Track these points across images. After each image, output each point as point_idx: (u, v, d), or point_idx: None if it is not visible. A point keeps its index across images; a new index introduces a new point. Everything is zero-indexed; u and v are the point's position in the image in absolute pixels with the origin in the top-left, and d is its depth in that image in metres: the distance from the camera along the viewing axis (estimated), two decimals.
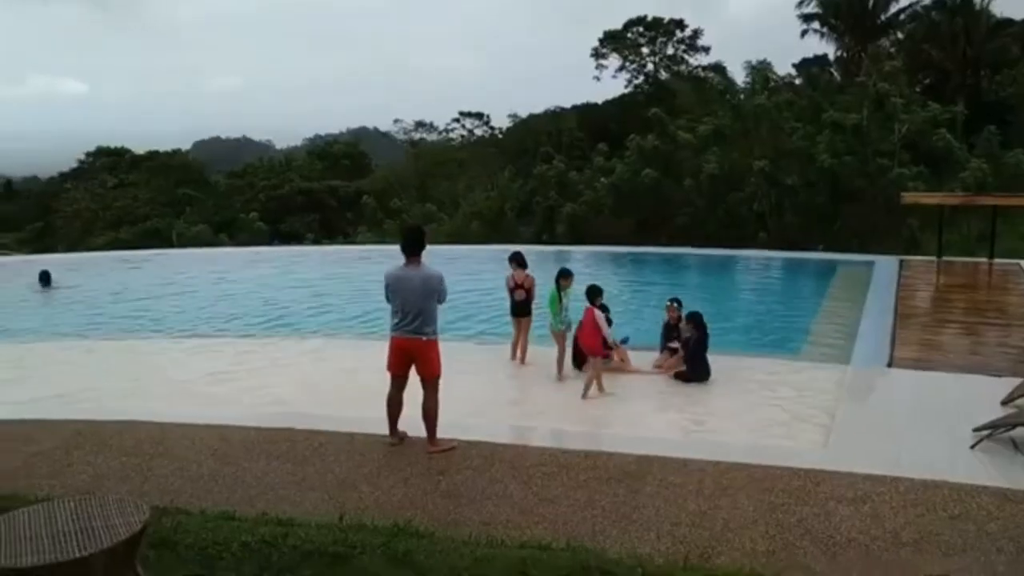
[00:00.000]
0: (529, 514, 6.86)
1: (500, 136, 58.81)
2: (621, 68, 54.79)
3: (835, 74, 43.60)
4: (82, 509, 4.94)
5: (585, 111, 54.15)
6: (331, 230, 45.68)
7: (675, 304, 12.83)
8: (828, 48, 47.93)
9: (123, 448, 8.74)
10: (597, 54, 55.20)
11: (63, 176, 62.33)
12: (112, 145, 62.30)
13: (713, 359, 11.83)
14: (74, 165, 63.04)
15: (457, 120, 61.87)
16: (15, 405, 10.61)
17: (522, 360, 12.79)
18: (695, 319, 12.15)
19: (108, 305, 19.92)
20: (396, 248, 8.70)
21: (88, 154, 62.13)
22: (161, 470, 8.10)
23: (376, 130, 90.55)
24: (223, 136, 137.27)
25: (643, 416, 10.43)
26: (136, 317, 18.11)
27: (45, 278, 22.17)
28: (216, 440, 8.87)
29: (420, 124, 65.03)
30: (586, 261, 23.37)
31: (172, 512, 6.50)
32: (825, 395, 10.66)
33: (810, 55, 48.62)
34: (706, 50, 53.75)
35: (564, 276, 12.31)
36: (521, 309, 12.92)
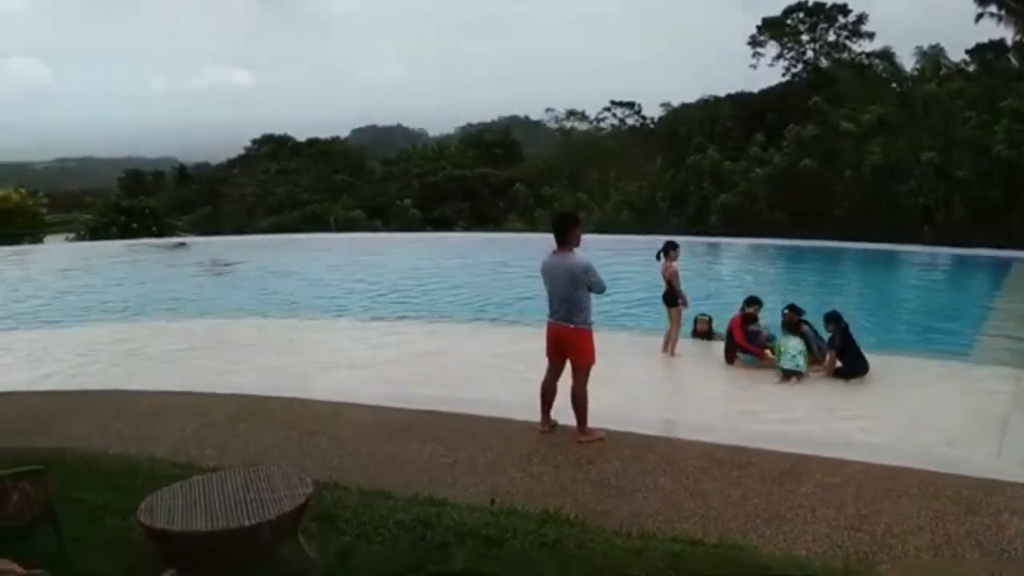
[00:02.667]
0: (680, 508, 6.75)
1: (651, 125, 58.15)
2: (779, 56, 53.16)
3: (1013, 60, 40.98)
4: (251, 480, 5.17)
5: (740, 100, 52.82)
6: (482, 218, 46.29)
7: (791, 311, 12.26)
8: (1006, 33, 45.07)
9: (284, 423, 9.08)
10: (754, 42, 53.75)
11: (231, 163, 65.54)
12: (276, 133, 65.13)
13: (875, 359, 11.36)
14: (241, 152, 66.19)
15: (608, 109, 61.56)
16: (187, 378, 11.20)
17: (672, 351, 12.64)
18: (833, 318, 11.73)
19: (271, 285, 20.79)
20: (544, 236, 8.73)
21: (253, 141, 65.15)
22: (319, 446, 8.37)
23: (527, 118, 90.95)
24: (379, 124, 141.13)
25: (799, 414, 10.10)
26: (296, 297, 18.84)
27: (217, 260, 23.74)
28: (371, 420, 9.11)
29: (571, 113, 64.96)
30: (739, 253, 22.88)
31: (331, 487, 6.71)
32: (997, 400, 10.05)
33: (985, 40, 45.86)
34: (870, 36, 51.54)
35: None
36: (665, 299, 12.78)
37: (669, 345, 12.69)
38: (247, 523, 4.66)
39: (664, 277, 12.78)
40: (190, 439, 8.51)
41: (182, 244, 27.25)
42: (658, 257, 12.90)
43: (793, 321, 12.00)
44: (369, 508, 6.17)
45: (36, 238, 34.31)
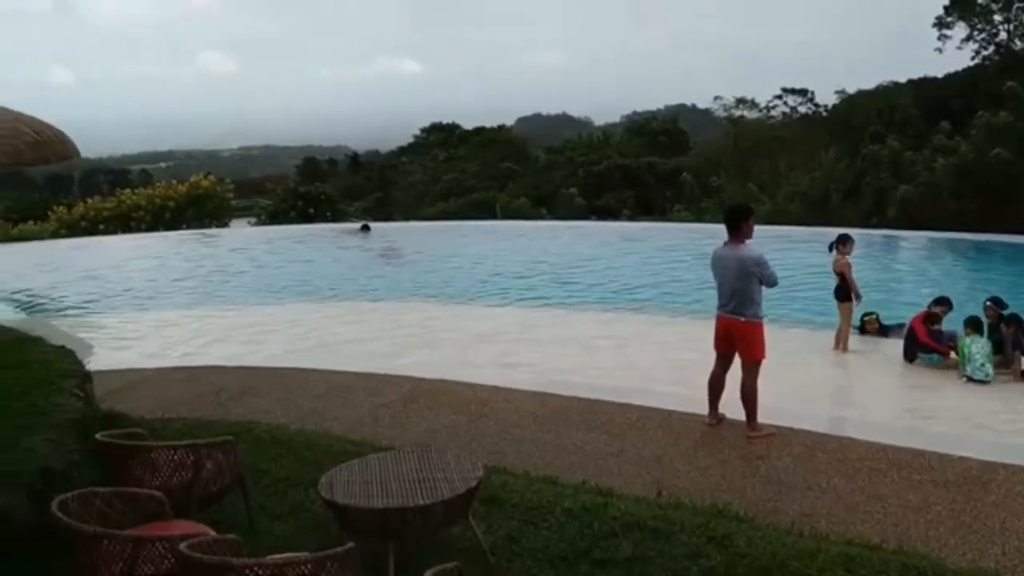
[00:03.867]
0: (855, 510, 6.51)
1: (825, 113, 56.02)
2: (968, 38, 50.04)
3: None
4: (424, 461, 5.33)
5: (922, 85, 50.09)
6: (648, 207, 45.88)
7: (993, 304, 11.59)
8: None
9: (452, 406, 9.30)
10: (941, 23, 50.81)
11: (401, 150, 67.43)
12: (444, 121, 66.56)
13: None
14: (410, 140, 68.01)
15: (779, 97, 59.74)
16: (361, 359, 11.60)
17: (843, 348, 12.18)
18: (1015, 321, 11.00)
19: (440, 271, 21.29)
20: (711, 227, 8.58)
21: (423, 130, 66.80)
22: (486, 430, 8.53)
23: (695, 107, 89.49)
24: (544, 113, 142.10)
25: (984, 418, 9.51)
26: (463, 283, 19.23)
27: (365, 227, 25.84)
28: (537, 407, 9.20)
29: (741, 101, 63.32)
30: (918, 247, 21.80)
31: (499, 471, 6.83)
32: None
33: None
34: None
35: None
36: (837, 294, 12.31)
37: (841, 342, 12.23)
38: (421, 502, 4.81)
39: (835, 270, 12.31)
40: (365, 418, 8.84)
41: (366, 228, 28.29)
42: (830, 249, 12.42)
43: (995, 317, 11.39)
44: (536, 494, 6.25)
45: (223, 222, 36.31)
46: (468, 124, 66.70)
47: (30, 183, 54.85)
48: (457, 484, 5.02)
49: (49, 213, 35.21)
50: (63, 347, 7.70)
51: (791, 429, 8.23)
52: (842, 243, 12.27)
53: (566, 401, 9.33)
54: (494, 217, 38.39)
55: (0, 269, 20.71)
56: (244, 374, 10.83)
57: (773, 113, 60.54)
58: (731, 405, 8.42)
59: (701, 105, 79.94)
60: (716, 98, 66.64)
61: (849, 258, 12.24)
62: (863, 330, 13.09)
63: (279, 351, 12.76)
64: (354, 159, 71.30)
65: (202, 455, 5.26)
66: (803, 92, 58.87)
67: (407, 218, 39.42)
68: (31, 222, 35.56)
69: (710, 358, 8.61)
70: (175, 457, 5.21)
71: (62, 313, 17.25)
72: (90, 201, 35.81)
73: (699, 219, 32.39)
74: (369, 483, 5.04)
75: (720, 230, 8.59)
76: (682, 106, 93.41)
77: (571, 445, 8.06)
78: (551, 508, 5.94)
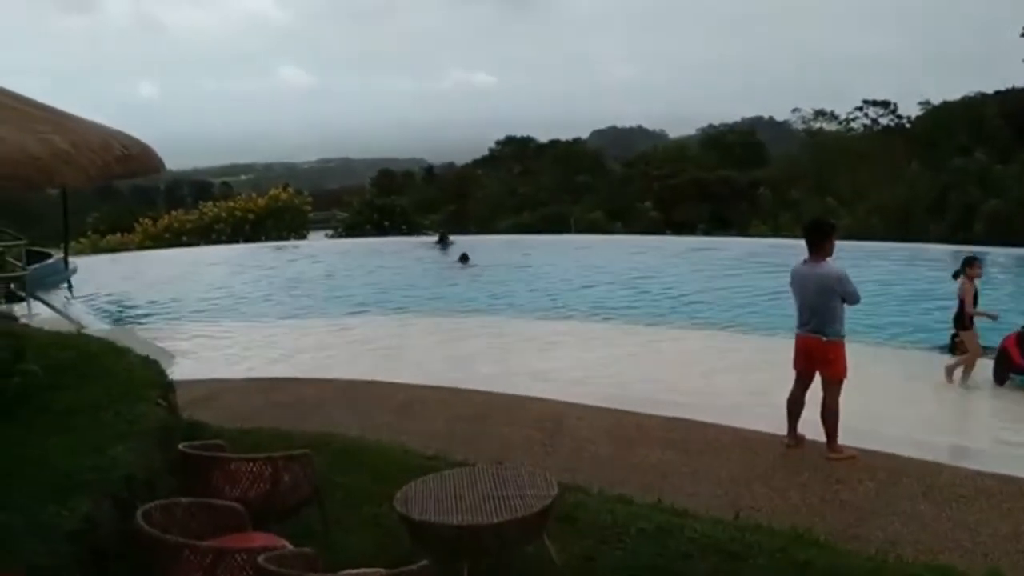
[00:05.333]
0: (943, 539, 6.28)
1: (908, 126, 54.66)
2: None
3: None
4: (499, 477, 5.31)
5: (1011, 97, 48.56)
6: (724, 221, 45.33)
7: None
8: None
9: (526, 422, 9.26)
10: None
11: (475, 163, 67.77)
12: (519, 134, 66.80)
13: None
14: (485, 153, 68.34)
15: (860, 108, 58.44)
16: (436, 372, 11.68)
17: (961, 377, 11.39)
18: None
19: (514, 284, 21.32)
20: (788, 242, 8.42)
21: (497, 142, 67.07)
22: (560, 447, 8.48)
23: (772, 119, 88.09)
24: (619, 125, 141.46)
25: None
26: (538, 297, 19.22)
27: (464, 258, 24.50)
28: (611, 423, 9.12)
29: (820, 113, 62.09)
30: (1008, 264, 21.09)
31: (573, 489, 6.77)
32: None
33: None
34: None
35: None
36: (956, 321, 11.54)
37: (958, 371, 11.37)
38: (496, 520, 4.79)
39: (959, 296, 11.36)
40: (439, 432, 8.85)
41: (444, 240, 28.32)
42: (955, 276, 11.46)
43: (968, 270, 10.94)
44: (611, 513, 6.18)
45: (301, 234, 36.99)
46: (543, 137, 66.88)
47: (117, 195, 56.52)
48: (532, 502, 4.99)
49: (135, 225, 36.30)
50: (148, 357, 7.87)
51: (874, 452, 8.00)
52: (969, 265, 11.35)
53: (640, 418, 9.22)
54: (568, 231, 38.33)
55: (90, 280, 21.34)
56: (320, 385, 10.97)
57: (853, 125, 59.28)
58: (811, 426, 8.23)
59: (779, 117, 78.72)
60: (794, 110, 65.49)
61: (974, 283, 11.34)
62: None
63: (355, 363, 12.90)
64: (429, 171, 71.90)
65: (280, 468, 5.32)
66: (885, 104, 57.49)
67: (481, 231, 39.59)
68: (119, 234, 36.70)
69: (788, 376, 8.43)
70: (254, 469, 5.29)
71: (147, 323, 17.75)
72: (174, 214, 36.84)
73: (776, 234, 31.87)
74: (444, 499, 5.04)
75: (799, 245, 8.43)
76: (759, 118, 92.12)
77: (645, 463, 7.97)
78: (626, 528, 5.87)
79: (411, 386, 10.72)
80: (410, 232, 36.31)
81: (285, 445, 6.50)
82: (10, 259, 17.64)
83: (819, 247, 8.03)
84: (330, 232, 40.59)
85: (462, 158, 75.22)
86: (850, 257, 16.75)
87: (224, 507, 4.75)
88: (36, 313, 15.66)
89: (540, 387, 10.70)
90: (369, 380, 11.14)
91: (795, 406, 8.31)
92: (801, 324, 8.14)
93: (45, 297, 17.47)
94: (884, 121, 57.58)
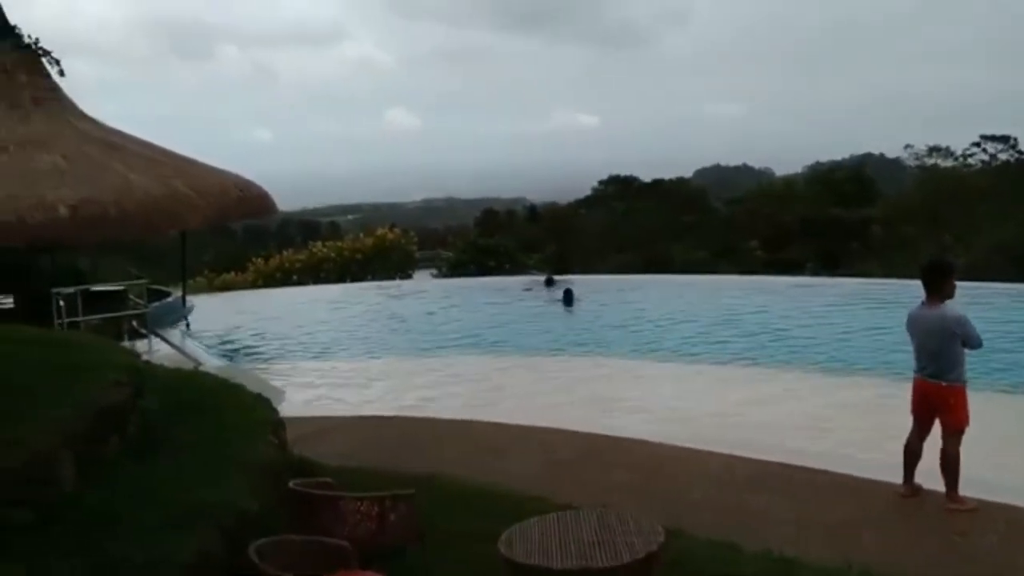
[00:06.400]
0: None
1: None
2: None
3: None
4: (604, 522, 5.26)
5: None
6: (833, 260, 44.20)
7: None
8: None
9: (628, 464, 9.17)
10: None
11: (578, 202, 67.88)
12: (622, 173, 66.73)
13: None
14: (588, 192, 68.43)
15: (977, 144, 56.48)
16: (538, 413, 11.66)
17: None
18: None
19: (616, 324, 21.17)
20: (902, 282, 8.17)
21: (600, 182, 67.09)
22: (664, 491, 8.35)
23: (883, 156, 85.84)
24: (723, 163, 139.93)
25: None
26: (641, 338, 19.05)
27: (568, 298, 24.44)
28: (716, 467, 8.95)
29: (934, 149, 60.22)
30: None
31: (677, 535, 6.65)
32: None
33: None
34: None
35: None
36: None
37: None
38: (601, 565, 4.74)
39: None
40: (542, 473, 8.84)
41: (551, 281, 28.30)
42: None
43: None
44: (716, 560, 6.08)
45: (407, 274, 37.60)
46: (646, 176, 66.63)
47: (231, 234, 58.52)
48: (638, 548, 4.91)
49: (249, 264, 37.50)
50: (259, 395, 8.10)
51: (995, 503, 7.64)
52: None
53: (746, 462, 9.03)
54: (672, 270, 37.95)
55: (205, 318, 22.10)
56: (423, 424, 11.10)
57: (971, 161, 57.25)
58: (928, 474, 7.91)
59: (890, 154, 76.70)
60: (906, 147, 63.61)
61: None
62: None
63: (456, 401, 13.01)
64: (532, 211, 72.26)
65: (387, 507, 5.39)
66: (1004, 139, 55.44)
67: (584, 270, 39.55)
68: (232, 272, 37.96)
69: (903, 422, 8.13)
70: (361, 508, 5.37)
71: (258, 359, 18.26)
72: (285, 253, 37.92)
73: (890, 273, 30.87)
74: (548, 543, 5.01)
75: (913, 285, 8.18)
76: (869, 155, 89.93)
77: (753, 510, 7.78)
78: None
79: (511, 426, 10.74)
80: (513, 271, 36.50)
81: (390, 484, 6.57)
82: (133, 297, 18.42)
83: (938, 288, 7.76)
84: (435, 271, 41.14)
85: (565, 198, 75.36)
86: (970, 298, 16.18)
87: (333, 545, 4.82)
88: (156, 350, 16.28)
89: (641, 428, 10.59)
90: (472, 419, 11.21)
91: (912, 454, 8.00)
92: (919, 368, 7.86)
93: (164, 334, 18.14)
94: (1003, 156, 55.52)
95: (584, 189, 69.65)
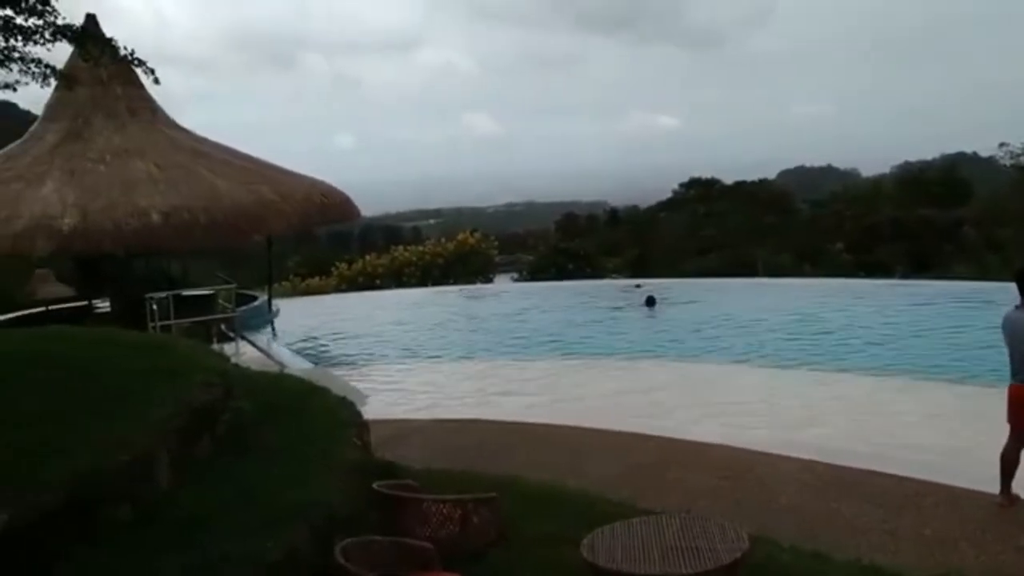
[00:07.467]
0: None
1: None
2: None
3: None
4: (687, 527, 5.22)
5: None
6: (924, 263, 42.97)
7: None
8: None
9: (710, 469, 9.07)
10: None
11: (659, 205, 67.34)
12: (703, 176, 65.98)
13: None
14: (669, 195, 67.83)
15: None
16: (617, 416, 11.60)
17: None
18: None
19: (698, 328, 20.93)
20: (996, 285, 7.91)
21: (681, 184, 66.43)
22: (749, 497, 8.23)
23: (975, 155, 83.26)
24: (807, 164, 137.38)
25: None
26: (724, 342, 18.79)
27: (651, 301, 24.29)
28: (802, 473, 8.79)
29: None
30: None
31: (763, 542, 6.54)
32: None
33: None
34: None
35: None
36: None
37: None
38: (685, 571, 4.70)
39: None
40: (622, 477, 8.80)
41: (638, 286, 28.15)
42: None
43: None
44: (804, 569, 5.97)
45: (487, 278, 37.79)
46: (728, 178, 65.73)
47: (315, 239, 59.53)
48: (722, 554, 4.87)
49: (332, 269, 38.15)
50: (344, 398, 8.22)
51: None
52: None
53: (835, 470, 8.84)
54: (755, 273, 37.37)
55: (291, 322, 22.54)
56: (506, 428, 11.13)
57: None
58: None
59: (983, 153, 74.26)
60: (1001, 145, 61.48)
61: None
62: None
63: (535, 404, 13.03)
64: (613, 214, 71.93)
65: (469, 510, 5.44)
66: None
67: (666, 274, 39.21)
68: (317, 277, 38.64)
69: (998, 430, 7.88)
70: (444, 510, 5.42)
71: (342, 362, 18.56)
72: (368, 258, 38.47)
73: (983, 276, 29.86)
74: (631, 548, 4.99)
75: (1008, 288, 7.91)
76: (961, 154, 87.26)
77: (840, 518, 7.62)
78: None
79: (591, 430, 10.72)
80: (594, 275, 36.39)
81: (471, 486, 6.62)
82: (222, 301, 18.88)
83: None
84: (515, 275, 41.26)
85: (646, 201, 74.84)
86: None
87: (417, 547, 4.88)
88: (243, 353, 16.65)
89: (722, 432, 10.49)
90: (552, 423, 11.22)
91: (1010, 463, 7.75)
92: (1015, 373, 7.62)
93: (251, 337, 18.54)
94: None
95: (665, 192, 69.08)
